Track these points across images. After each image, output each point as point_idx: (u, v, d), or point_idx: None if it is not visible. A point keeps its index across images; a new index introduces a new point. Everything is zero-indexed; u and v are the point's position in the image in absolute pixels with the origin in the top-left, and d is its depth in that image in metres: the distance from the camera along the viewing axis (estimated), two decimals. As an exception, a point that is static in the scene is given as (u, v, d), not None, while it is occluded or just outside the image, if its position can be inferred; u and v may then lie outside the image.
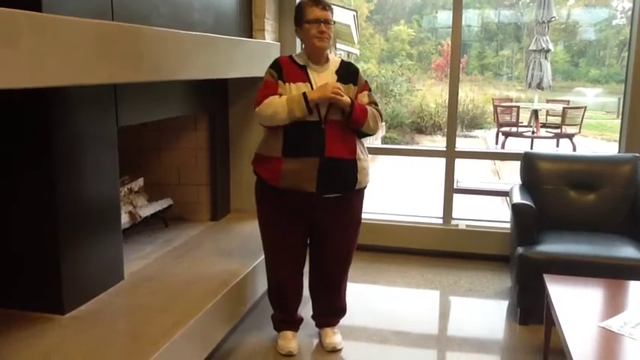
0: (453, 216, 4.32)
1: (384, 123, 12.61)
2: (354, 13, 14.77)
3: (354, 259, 2.90)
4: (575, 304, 2.44)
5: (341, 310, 2.99)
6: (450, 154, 4.24)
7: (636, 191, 3.47)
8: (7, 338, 2.24)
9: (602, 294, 2.64)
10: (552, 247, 3.12)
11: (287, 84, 2.60)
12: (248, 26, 3.88)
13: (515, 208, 3.26)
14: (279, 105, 2.53)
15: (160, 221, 3.71)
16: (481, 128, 14.51)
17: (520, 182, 3.72)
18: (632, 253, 3.04)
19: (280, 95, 2.57)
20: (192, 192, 3.91)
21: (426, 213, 4.56)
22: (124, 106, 2.78)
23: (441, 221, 4.32)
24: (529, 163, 3.69)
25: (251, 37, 3.91)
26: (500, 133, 10.96)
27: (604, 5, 22.45)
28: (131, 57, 2.27)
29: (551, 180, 3.58)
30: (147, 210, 3.48)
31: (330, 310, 2.96)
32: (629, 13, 4.28)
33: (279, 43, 4.00)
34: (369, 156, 2.82)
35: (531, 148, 9.37)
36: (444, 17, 21.89)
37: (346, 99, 2.55)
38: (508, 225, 3.94)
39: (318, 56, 2.67)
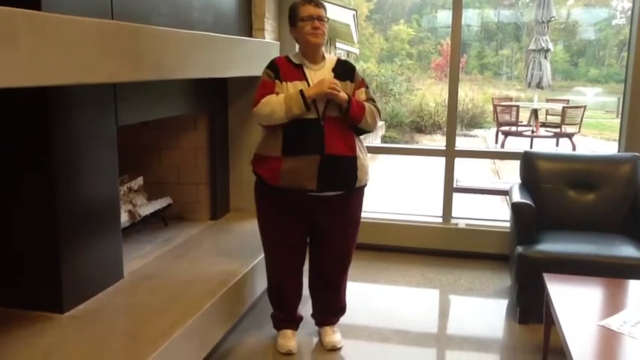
0: (453, 215, 4.32)
1: (383, 122, 12.63)
2: (354, 12, 14.77)
3: (353, 258, 2.90)
4: (574, 303, 2.44)
5: (341, 309, 2.99)
6: (450, 154, 4.24)
7: (636, 191, 3.47)
8: (7, 337, 2.24)
9: (602, 293, 2.64)
10: (552, 246, 3.12)
11: (284, 83, 2.61)
12: (248, 26, 3.88)
13: (515, 208, 3.26)
14: (276, 103, 2.53)
15: (160, 220, 3.71)
16: (481, 127, 14.52)
17: (520, 181, 3.73)
18: (631, 252, 3.04)
19: (277, 94, 2.58)
20: (191, 191, 3.91)
21: (426, 212, 4.56)
22: (124, 105, 2.78)
23: (440, 220, 4.32)
24: (529, 162, 3.69)
25: (251, 36, 3.91)
26: (499, 133, 10.96)
27: (604, 5, 22.45)
28: (131, 56, 2.27)
29: (551, 179, 3.58)
30: (146, 209, 3.48)
31: (330, 308, 2.96)
32: (629, 12, 4.28)
33: (278, 43, 4.00)
34: (368, 155, 2.82)
35: (531, 148, 9.35)
36: (444, 17, 21.90)
37: (343, 95, 2.56)
38: (508, 224, 3.94)
39: (313, 55, 2.68)
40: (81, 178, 2.53)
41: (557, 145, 10.63)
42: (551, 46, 10.61)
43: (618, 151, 4.01)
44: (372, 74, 15.75)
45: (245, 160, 3.60)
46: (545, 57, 10.51)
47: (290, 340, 2.87)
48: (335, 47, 16.96)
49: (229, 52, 3.18)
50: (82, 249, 2.56)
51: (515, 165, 3.95)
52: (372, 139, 10.72)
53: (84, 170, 2.54)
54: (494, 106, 11.58)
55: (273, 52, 3.84)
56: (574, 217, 3.48)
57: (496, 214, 5.12)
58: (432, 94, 16.11)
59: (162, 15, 2.83)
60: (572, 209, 3.51)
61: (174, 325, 2.37)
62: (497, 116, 11.22)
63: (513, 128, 10.86)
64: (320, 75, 2.64)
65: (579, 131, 10.65)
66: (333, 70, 2.69)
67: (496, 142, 11.03)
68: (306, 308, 3.03)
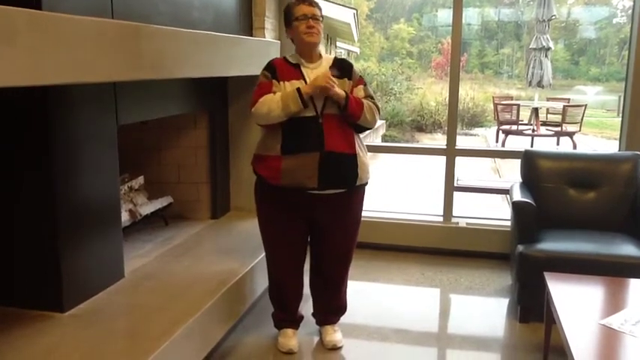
0: (454, 214, 4.32)
1: (384, 121, 12.62)
2: (354, 11, 14.78)
3: (354, 257, 2.89)
4: (575, 301, 2.44)
5: (341, 308, 2.99)
6: (451, 152, 4.24)
7: (636, 189, 3.46)
8: (8, 336, 2.25)
9: (603, 292, 2.64)
10: (552, 244, 3.12)
11: (282, 82, 2.61)
12: (248, 24, 3.88)
13: (516, 206, 3.26)
14: (273, 102, 2.54)
15: (160, 219, 3.72)
16: (481, 126, 14.51)
17: (520, 180, 3.72)
18: (632, 250, 3.04)
19: (275, 94, 2.58)
20: (192, 190, 3.91)
21: (427, 211, 4.56)
22: (124, 104, 2.78)
23: (441, 219, 4.32)
24: (529, 161, 3.69)
25: (251, 35, 3.91)
26: (500, 131, 10.95)
27: (604, 3, 22.44)
28: (131, 55, 2.27)
29: (552, 178, 3.58)
30: (147, 208, 3.48)
31: (331, 307, 2.96)
32: (630, 11, 4.27)
33: (279, 42, 4.00)
34: (369, 154, 2.82)
35: (532, 146, 9.35)
36: (444, 15, 21.90)
37: (340, 92, 2.56)
38: (508, 223, 3.94)
39: (310, 54, 2.68)
40: (81, 178, 2.53)
41: (557, 143, 10.62)
42: (551, 44, 10.60)
43: (619, 150, 4.00)
44: (372, 73, 15.75)
45: (245, 158, 3.60)
46: (546, 56, 10.51)
47: (291, 339, 2.87)
48: (335, 46, 16.97)
49: (229, 51, 3.18)
50: (83, 248, 2.56)
51: (515, 164, 3.94)
52: (373, 138, 10.72)
53: (84, 170, 2.54)
54: (495, 105, 11.57)
55: (274, 51, 3.84)
56: (575, 216, 3.47)
57: (497, 212, 5.12)
58: (432, 92, 16.11)
59: (163, 14, 2.83)
60: (573, 208, 3.51)
61: (175, 325, 2.37)
62: (497, 115, 11.21)
63: (514, 127, 10.85)
64: (317, 73, 2.63)
65: (580, 130, 10.64)
66: (331, 68, 2.69)
67: (497, 141, 11.02)
68: (306, 307, 3.03)
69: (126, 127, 2.88)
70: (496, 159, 9.22)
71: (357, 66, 2.78)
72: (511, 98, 13.79)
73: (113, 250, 2.78)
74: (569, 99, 13.30)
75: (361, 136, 2.77)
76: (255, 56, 3.47)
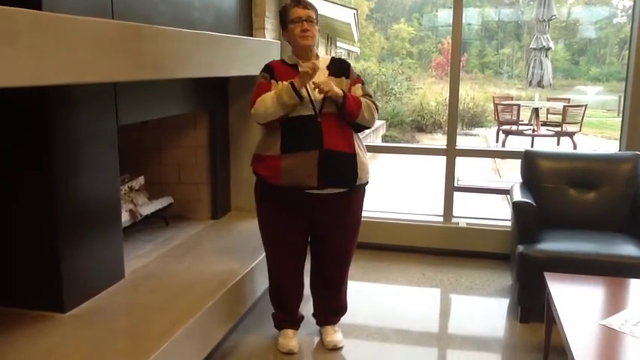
0: (454, 214, 4.32)
1: (384, 121, 12.62)
2: (355, 11, 14.78)
3: (354, 257, 2.89)
4: (575, 302, 2.44)
5: (342, 308, 2.99)
6: (451, 152, 4.24)
7: (636, 189, 3.46)
8: (8, 337, 2.25)
9: (603, 292, 2.64)
10: (553, 245, 3.12)
11: (280, 82, 2.61)
12: (248, 25, 3.88)
13: (516, 206, 3.26)
14: (268, 98, 2.55)
15: (161, 220, 3.72)
16: (481, 126, 14.51)
17: (521, 180, 3.72)
18: (632, 251, 3.03)
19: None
20: (192, 190, 3.91)
21: (427, 211, 4.56)
22: (124, 104, 2.78)
23: (441, 219, 4.32)
24: (530, 161, 3.69)
25: (251, 35, 3.91)
26: (500, 132, 10.95)
27: (604, 3, 22.44)
28: (132, 55, 2.27)
29: (552, 178, 3.58)
30: (147, 208, 3.48)
31: (331, 308, 2.96)
32: (630, 11, 4.27)
33: (279, 42, 4.00)
34: (368, 154, 2.82)
35: (532, 147, 9.35)
36: (445, 15, 21.91)
37: (338, 90, 2.56)
38: (509, 223, 3.94)
39: (306, 55, 2.69)
40: (81, 178, 2.53)
41: (558, 144, 10.62)
42: (552, 44, 10.60)
43: (619, 150, 4.00)
44: (372, 73, 15.74)
45: (246, 158, 3.59)
46: (546, 56, 10.51)
47: (291, 339, 2.87)
48: (336, 46, 16.97)
49: (229, 52, 3.18)
50: (83, 248, 2.56)
51: (516, 164, 3.94)
52: (373, 139, 10.72)
53: (84, 170, 2.54)
54: (495, 105, 11.57)
55: (274, 51, 3.84)
56: (575, 216, 3.47)
57: (497, 213, 5.12)
58: (432, 93, 16.11)
59: (163, 14, 2.83)
60: (573, 208, 3.51)
61: (176, 325, 2.37)
62: (498, 115, 11.21)
63: (514, 127, 10.85)
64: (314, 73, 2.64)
65: (580, 130, 10.64)
66: (328, 67, 2.70)
67: (497, 141, 11.02)
68: (307, 308, 3.03)
69: (126, 127, 2.88)
70: (496, 159, 9.22)
71: (358, 66, 2.78)
72: (511, 98, 13.80)
73: (113, 250, 2.78)
74: (569, 99, 13.31)
75: (361, 136, 2.77)
76: (256, 56, 3.47)
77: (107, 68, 2.14)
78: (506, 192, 4.34)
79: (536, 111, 11.09)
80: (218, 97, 3.91)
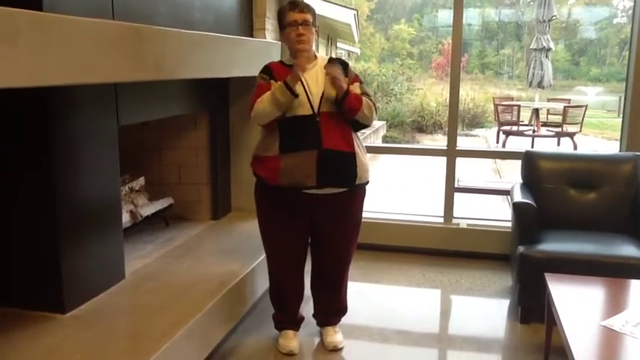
0: (454, 215, 4.32)
1: (384, 122, 12.63)
2: (355, 12, 14.78)
3: (355, 258, 2.89)
4: (576, 302, 2.44)
5: (342, 309, 2.99)
6: (451, 153, 4.24)
7: (637, 190, 3.46)
8: (9, 337, 2.24)
9: (604, 293, 2.64)
10: (553, 245, 3.12)
11: (279, 83, 2.61)
12: (249, 25, 3.88)
13: (517, 207, 3.26)
14: (265, 98, 2.55)
15: (161, 220, 3.72)
16: (482, 127, 14.51)
17: (521, 181, 3.72)
18: (633, 251, 3.03)
19: None
20: (192, 191, 3.91)
21: (427, 212, 4.56)
22: (125, 105, 2.78)
23: (442, 220, 4.32)
24: (530, 161, 3.68)
25: (252, 36, 3.91)
26: (501, 132, 10.95)
27: (605, 4, 22.45)
28: (132, 56, 2.27)
29: (552, 179, 3.58)
30: (148, 209, 3.48)
31: (331, 308, 2.96)
32: (630, 11, 4.27)
33: (279, 42, 4.00)
34: (369, 154, 2.81)
35: (532, 147, 9.36)
36: (445, 16, 21.92)
37: (344, 82, 2.54)
38: (509, 224, 3.94)
39: (303, 57, 2.67)
40: (82, 178, 2.53)
41: (558, 144, 10.62)
42: (552, 45, 10.59)
43: (620, 151, 4.00)
44: (372, 74, 15.75)
45: (246, 159, 3.59)
46: (547, 56, 10.50)
47: (291, 340, 2.87)
48: (336, 47, 16.98)
49: (230, 52, 3.18)
50: (84, 249, 2.56)
51: (516, 165, 3.94)
52: (373, 139, 10.72)
53: (85, 170, 2.54)
54: (496, 106, 11.57)
55: (274, 51, 3.84)
56: (575, 217, 3.47)
57: (497, 213, 5.12)
58: (432, 93, 16.12)
59: (163, 15, 2.83)
60: (574, 209, 3.50)
61: (176, 326, 2.37)
62: (498, 116, 11.21)
63: (514, 128, 10.84)
64: (312, 73, 2.64)
65: (580, 131, 10.64)
66: (325, 67, 2.69)
67: (497, 142, 11.02)
68: (307, 309, 3.03)
69: (126, 127, 2.88)
70: (497, 160, 9.22)
71: (358, 67, 2.78)
72: (511, 99, 13.80)
73: (114, 251, 2.78)
74: (569, 99, 13.32)
75: (361, 136, 2.77)
76: (256, 57, 3.47)
77: (107, 69, 2.14)
78: (506, 193, 4.34)
79: (536, 111, 11.09)
80: (218, 97, 3.91)
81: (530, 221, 3.19)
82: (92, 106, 2.57)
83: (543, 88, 10.73)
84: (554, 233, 3.28)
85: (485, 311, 3.39)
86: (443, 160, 4.28)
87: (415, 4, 25.42)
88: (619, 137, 4.14)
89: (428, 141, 13.11)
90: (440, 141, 12.57)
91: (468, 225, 4.23)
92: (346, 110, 2.59)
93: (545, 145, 10.44)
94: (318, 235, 2.80)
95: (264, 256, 2.97)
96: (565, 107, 10.65)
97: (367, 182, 2.75)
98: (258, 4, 3.90)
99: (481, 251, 4.13)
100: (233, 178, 4.12)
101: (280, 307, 2.93)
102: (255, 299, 3.20)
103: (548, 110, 11.82)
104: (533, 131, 10.77)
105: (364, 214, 2.84)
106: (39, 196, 2.40)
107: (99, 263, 2.66)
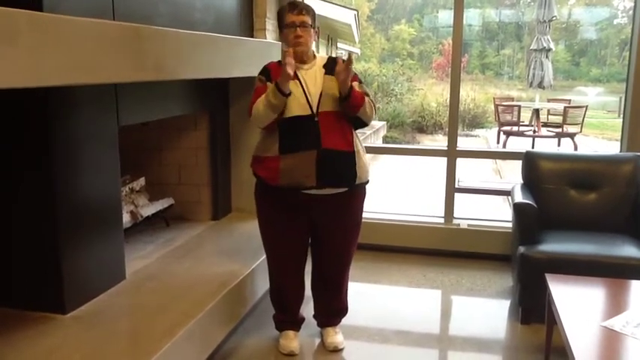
0: (455, 215, 4.32)
1: (385, 122, 12.63)
2: (355, 12, 14.78)
3: (355, 259, 2.89)
4: (576, 303, 2.43)
5: (342, 310, 2.98)
6: (452, 154, 4.24)
7: (637, 190, 3.46)
8: (9, 338, 2.24)
9: (604, 293, 2.63)
10: (554, 246, 3.11)
11: (271, 85, 2.61)
12: (249, 26, 3.88)
13: (517, 208, 3.26)
14: (260, 101, 2.56)
15: (162, 221, 3.71)
16: (482, 127, 14.51)
17: (521, 181, 3.72)
18: (633, 252, 3.03)
19: None
20: (193, 191, 3.91)
21: (428, 212, 4.56)
22: (125, 105, 2.78)
23: (442, 220, 4.32)
24: (530, 162, 3.68)
25: (252, 36, 3.91)
26: (501, 133, 10.95)
27: (605, 4, 22.45)
28: (132, 56, 2.27)
29: (553, 179, 3.58)
30: (148, 209, 3.48)
31: (332, 309, 2.95)
32: (630, 12, 4.27)
33: (280, 43, 3.99)
34: (369, 155, 2.81)
35: (533, 148, 9.36)
36: (445, 16, 21.93)
37: (348, 81, 2.53)
38: (509, 224, 3.93)
39: (302, 56, 2.68)
40: (82, 178, 2.53)
41: (558, 145, 10.62)
42: (552, 45, 10.59)
43: (620, 151, 4.00)
44: (373, 74, 15.75)
45: (246, 159, 3.59)
46: (547, 57, 10.50)
47: (292, 341, 2.87)
48: (336, 47, 16.98)
49: (230, 53, 3.17)
50: (84, 250, 2.56)
51: (516, 165, 3.94)
52: (374, 140, 10.72)
53: (85, 171, 2.54)
54: (496, 106, 11.57)
55: (275, 52, 3.83)
56: (576, 217, 3.47)
57: (498, 214, 5.11)
58: (433, 94, 16.12)
59: (164, 15, 2.83)
60: (574, 209, 3.50)
61: (176, 326, 2.36)
62: (498, 116, 11.21)
63: (515, 128, 10.84)
64: (311, 74, 2.64)
65: (581, 131, 10.64)
66: (324, 66, 2.69)
67: (498, 142, 11.02)
68: (308, 309, 3.03)
69: (126, 127, 2.88)
70: (497, 160, 9.22)
71: (358, 67, 2.77)
72: (512, 99, 13.80)
73: (114, 251, 2.78)
74: (570, 100, 13.31)
75: (361, 137, 2.77)
76: (256, 57, 3.47)
77: (108, 69, 2.13)
78: (507, 193, 4.34)
79: (536, 112, 11.08)
80: (218, 97, 3.91)
81: (530, 222, 3.19)
82: (92, 107, 2.57)
83: (544, 88, 10.73)
84: (555, 234, 3.28)
85: (485, 312, 3.39)
86: (443, 160, 4.28)
87: (415, 5, 25.42)
88: (619, 138, 4.13)
89: (428, 141, 13.11)
90: (440, 141, 12.57)
91: (468, 225, 4.23)
92: (351, 106, 2.59)
93: (546, 145, 10.44)
94: (318, 236, 2.79)
95: (264, 256, 2.97)
96: (565, 108, 10.65)
97: (367, 182, 2.74)
98: (259, 5, 3.90)
99: (482, 252, 4.13)
100: (233, 179, 4.12)
101: (281, 308, 2.93)
102: (255, 300, 3.20)
103: (548, 111, 11.82)
104: (534, 132, 10.77)
105: (364, 215, 2.84)
106: (39, 197, 2.40)
107: (99, 264, 2.66)
